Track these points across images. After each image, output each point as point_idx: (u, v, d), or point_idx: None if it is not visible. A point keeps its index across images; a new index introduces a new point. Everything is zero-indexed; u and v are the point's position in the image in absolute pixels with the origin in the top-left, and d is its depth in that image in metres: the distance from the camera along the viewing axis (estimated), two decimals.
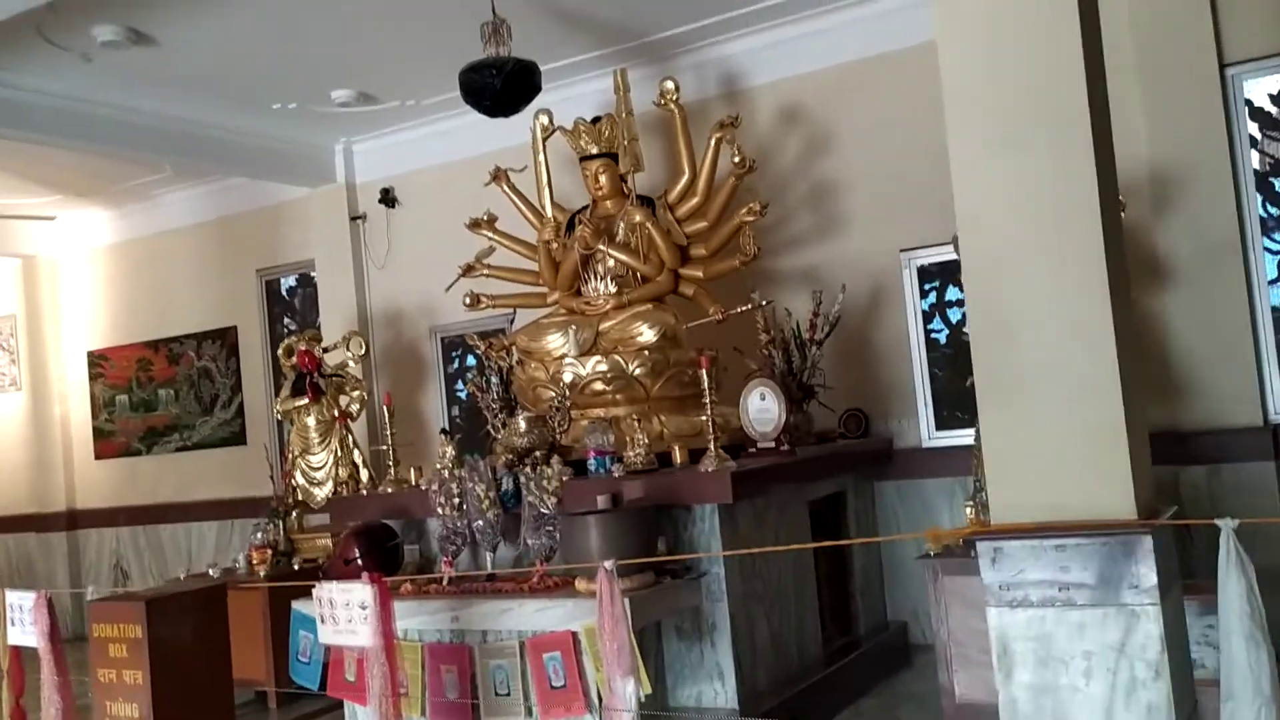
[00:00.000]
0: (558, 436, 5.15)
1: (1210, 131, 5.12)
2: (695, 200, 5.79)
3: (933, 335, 6.04)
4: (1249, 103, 5.19)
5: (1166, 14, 5.20)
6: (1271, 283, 5.16)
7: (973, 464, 4.83)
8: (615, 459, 4.95)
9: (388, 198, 7.63)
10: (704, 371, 4.75)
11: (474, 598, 4.57)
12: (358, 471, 6.55)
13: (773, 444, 5.21)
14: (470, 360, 7.43)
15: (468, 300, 6.21)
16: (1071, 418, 2.36)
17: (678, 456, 4.87)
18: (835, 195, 6.23)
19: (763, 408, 5.23)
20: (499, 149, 6.68)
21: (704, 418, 4.93)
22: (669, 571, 4.54)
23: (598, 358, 5.43)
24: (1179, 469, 4.96)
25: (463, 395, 7.45)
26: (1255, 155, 5.18)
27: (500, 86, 5.14)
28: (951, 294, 6.03)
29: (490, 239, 6.28)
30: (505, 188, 6.27)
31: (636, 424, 4.96)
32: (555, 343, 5.65)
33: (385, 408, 5.71)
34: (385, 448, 5.67)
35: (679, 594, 4.50)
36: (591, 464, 4.98)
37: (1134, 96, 5.33)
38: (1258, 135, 5.18)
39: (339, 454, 6.61)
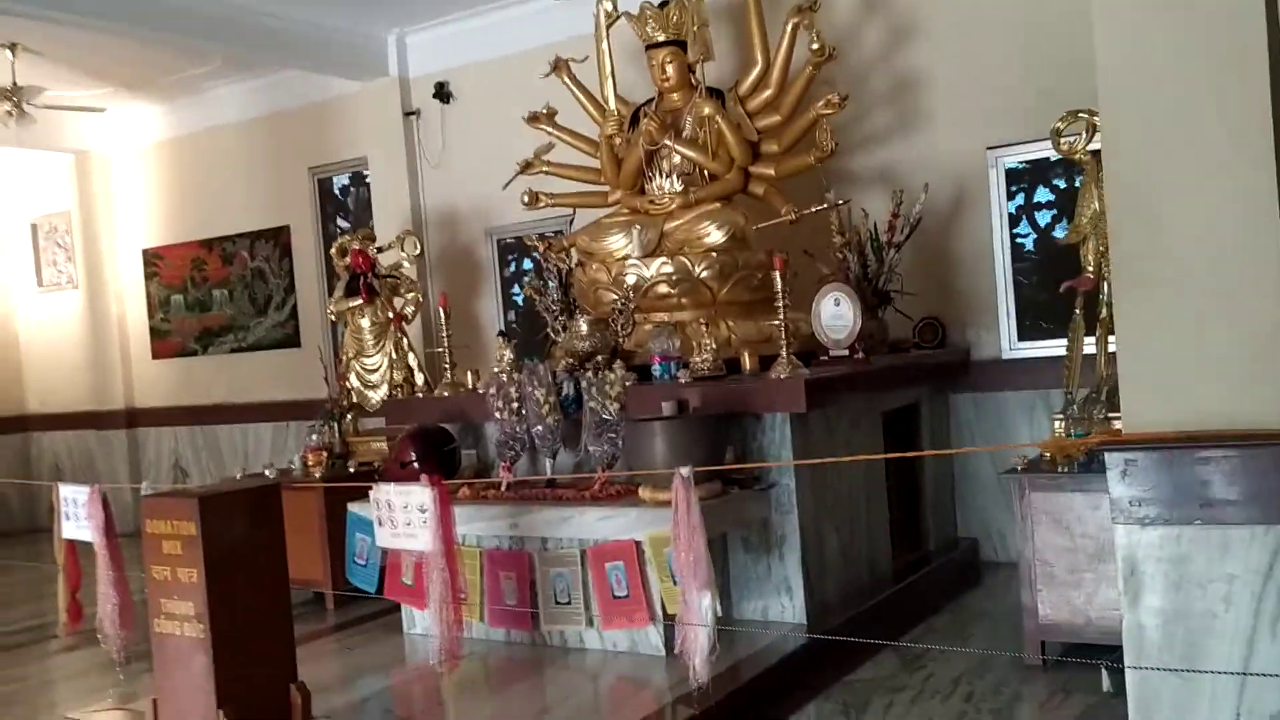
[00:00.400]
0: (620, 341, 4.93)
1: None
2: (768, 93, 5.45)
3: (1018, 240, 5.69)
4: None
5: None
6: None
7: (1064, 375, 4.54)
8: (681, 365, 4.73)
9: (442, 92, 7.34)
10: (777, 274, 4.48)
11: (534, 504, 4.42)
12: (413, 375, 6.40)
13: (846, 352, 4.95)
14: (527, 264, 7.21)
15: (526, 199, 5.96)
16: (1223, 315, 2.07)
17: (747, 363, 4.63)
18: (917, 89, 5.84)
19: (837, 313, 4.96)
20: (559, 39, 6.34)
21: (775, 323, 4.68)
22: (737, 482, 4.35)
23: (662, 259, 5.17)
24: None
25: (519, 299, 7.24)
26: None
27: None
28: (1041, 194, 5.65)
29: (550, 134, 6.00)
30: (566, 79, 5.96)
31: (704, 329, 4.72)
32: (618, 243, 5.40)
33: (441, 310, 5.51)
34: (441, 350, 5.49)
35: (747, 506, 4.31)
36: (656, 370, 4.76)
37: None
38: None
39: (394, 357, 6.46)
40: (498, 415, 4.73)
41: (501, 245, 7.31)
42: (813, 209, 5.19)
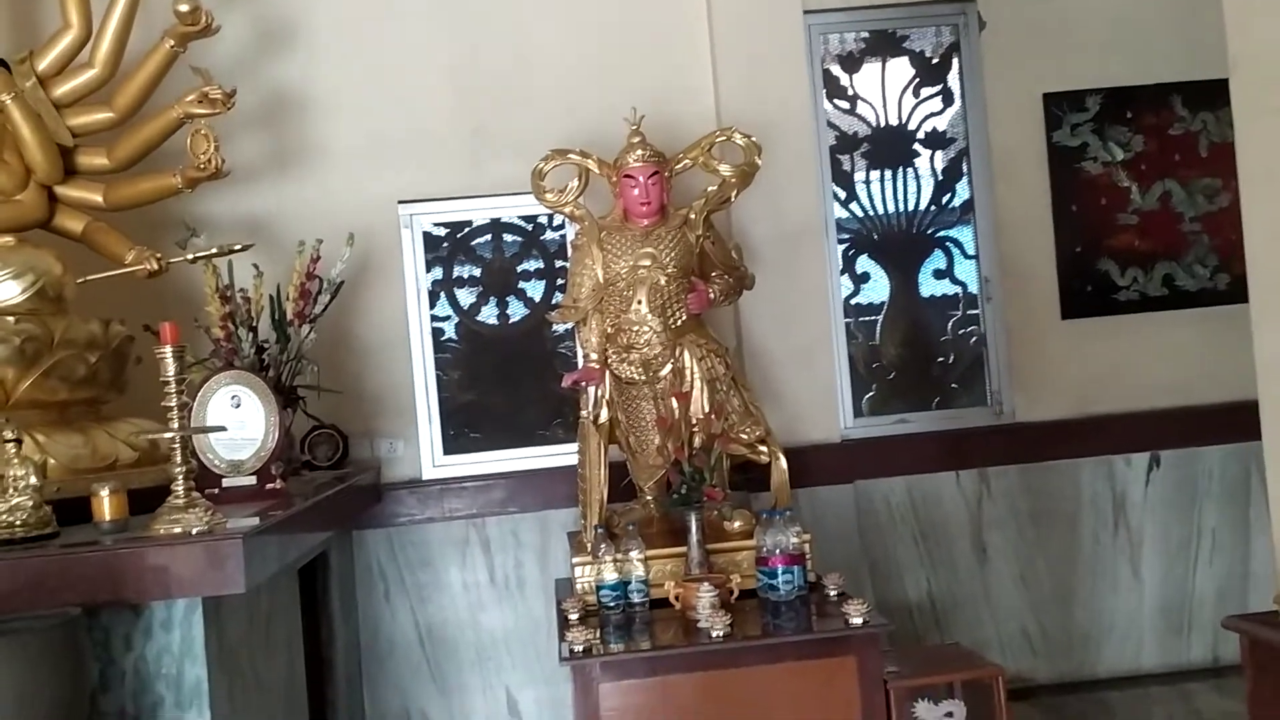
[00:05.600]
0: None
1: (790, 90, 4.31)
2: (92, 74, 3.43)
3: (436, 325, 4.39)
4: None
5: None
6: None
7: (581, 499, 3.35)
8: None
9: None
10: (168, 352, 2.54)
11: None
12: None
13: (251, 480, 3.13)
14: None
15: None
16: None
17: (107, 509, 2.56)
18: (301, 113, 4.27)
19: (237, 420, 3.13)
20: None
21: (149, 435, 2.78)
22: None
23: None
24: None
25: None
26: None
27: None
28: (464, 267, 4.44)
29: None
30: None
31: (14, 449, 2.54)
32: None
33: None
34: None
35: None
36: None
37: (703, 41, 4.35)
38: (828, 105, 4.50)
39: None
40: None
41: None
42: (193, 256, 3.30)
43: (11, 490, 2.51)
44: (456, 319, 4.42)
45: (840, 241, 4.50)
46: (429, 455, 4.30)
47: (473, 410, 4.39)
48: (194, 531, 2.40)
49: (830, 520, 4.10)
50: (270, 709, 2.93)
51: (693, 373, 3.29)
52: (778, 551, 2.98)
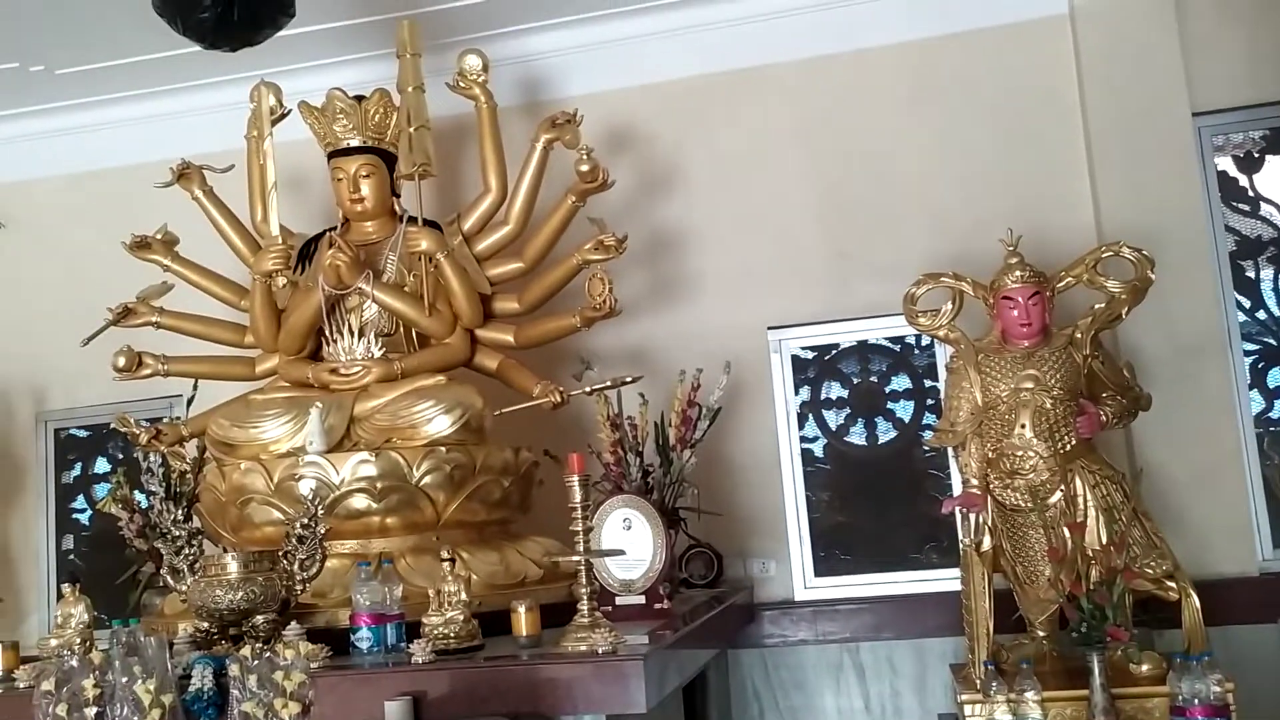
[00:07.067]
0: (299, 589, 2.95)
1: (1180, 195, 4.06)
2: (506, 230, 3.92)
3: (805, 445, 4.46)
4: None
5: (1126, 46, 4.14)
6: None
7: (967, 629, 3.23)
8: (407, 630, 2.85)
9: None
10: (575, 481, 2.79)
11: None
12: None
13: (641, 599, 3.31)
14: (101, 464, 4.90)
15: (121, 363, 3.88)
16: None
17: (524, 625, 2.83)
18: (678, 250, 4.59)
19: (628, 541, 3.34)
20: (182, 155, 4.35)
21: (547, 558, 3.06)
22: None
23: (362, 456, 3.31)
24: None
25: (86, 519, 4.83)
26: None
27: None
28: (831, 389, 4.50)
29: (167, 268, 4.02)
30: (198, 193, 4.07)
31: (448, 567, 2.88)
32: (278, 431, 3.49)
33: None
34: None
35: None
36: (364, 639, 2.83)
37: (1078, 150, 4.21)
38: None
39: None
40: None
41: (63, 438, 4.93)
42: (589, 389, 3.63)
43: (446, 605, 2.83)
44: (825, 440, 4.48)
45: (1247, 354, 4.11)
46: (800, 576, 4.33)
47: (843, 531, 4.39)
48: (600, 651, 2.58)
49: (1250, 665, 3.65)
50: None
51: (1086, 500, 3.12)
52: (1196, 701, 2.71)
